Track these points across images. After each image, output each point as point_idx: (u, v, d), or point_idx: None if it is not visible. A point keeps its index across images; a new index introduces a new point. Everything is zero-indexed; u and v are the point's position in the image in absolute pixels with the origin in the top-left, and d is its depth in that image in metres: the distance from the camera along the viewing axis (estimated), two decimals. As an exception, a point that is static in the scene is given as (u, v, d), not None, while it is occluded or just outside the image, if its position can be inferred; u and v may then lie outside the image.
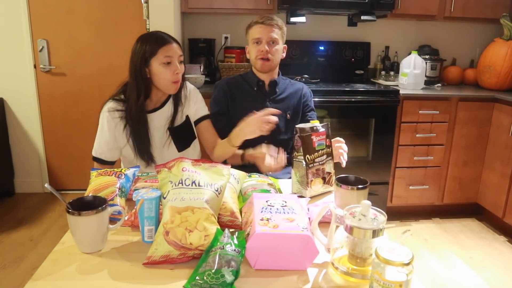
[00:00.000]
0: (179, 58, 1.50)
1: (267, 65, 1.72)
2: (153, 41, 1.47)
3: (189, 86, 1.66)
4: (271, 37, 1.69)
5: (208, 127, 1.68)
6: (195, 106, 1.66)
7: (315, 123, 1.27)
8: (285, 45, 1.79)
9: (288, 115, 1.79)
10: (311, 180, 1.21)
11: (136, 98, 1.47)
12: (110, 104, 1.50)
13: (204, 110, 1.68)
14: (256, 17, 1.74)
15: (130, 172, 1.18)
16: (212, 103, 1.79)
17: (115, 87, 1.56)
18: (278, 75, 1.83)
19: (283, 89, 1.83)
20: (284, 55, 1.80)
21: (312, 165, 1.22)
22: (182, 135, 1.62)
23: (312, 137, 1.23)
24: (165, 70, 1.46)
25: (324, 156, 1.25)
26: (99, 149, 1.52)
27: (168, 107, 1.59)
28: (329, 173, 1.27)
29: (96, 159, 1.53)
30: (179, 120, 1.61)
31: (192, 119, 1.66)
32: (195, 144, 1.69)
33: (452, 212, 2.97)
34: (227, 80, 1.84)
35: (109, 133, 1.49)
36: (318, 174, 1.24)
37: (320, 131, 1.25)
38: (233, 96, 1.78)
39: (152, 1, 2.54)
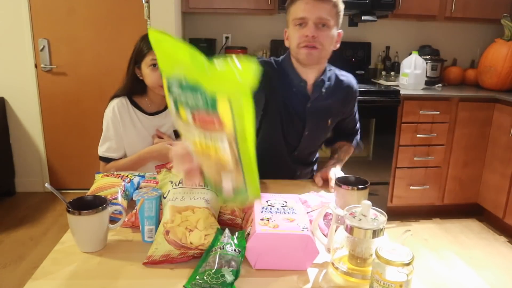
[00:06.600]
0: None
1: (315, 56, 1.23)
2: (144, 43, 1.44)
3: None
4: (321, 17, 1.19)
5: None
6: None
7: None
8: (341, 30, 1.29)
9: (329, 122, 1.40)
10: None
11: (122, 89, 1.50)
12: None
13: None
14: None
15: (136, 179, 1.19)
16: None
17: (116, 87, 1.56)
18: (325, 71, 1.34)
19: (329, 88, 1.35)
20: (338, 45, 1.30)
21: None
22: None
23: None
24: (151, 73, 1.43)
25: None
26: None
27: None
28: None
29: None
30: None
31: None
32: None
33: (452, 213, 2.97)
34: (268, 63, 1.35)
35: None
36: None
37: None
38: (270, 86, 1.29)
39: (153, 1, 2.54)
